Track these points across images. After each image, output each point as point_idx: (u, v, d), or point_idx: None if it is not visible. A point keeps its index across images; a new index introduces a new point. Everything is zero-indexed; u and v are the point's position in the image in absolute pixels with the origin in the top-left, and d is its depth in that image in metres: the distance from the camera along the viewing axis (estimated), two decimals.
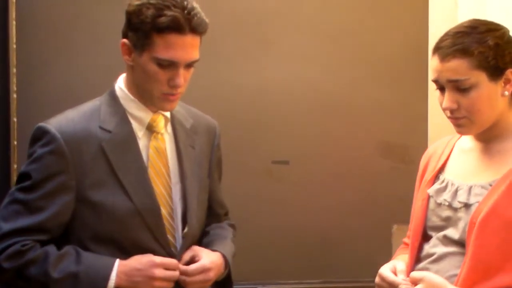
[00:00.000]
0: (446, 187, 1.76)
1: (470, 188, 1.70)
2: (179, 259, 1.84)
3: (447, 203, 1.73)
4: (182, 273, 1.81)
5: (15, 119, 2.65)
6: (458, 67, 1.66)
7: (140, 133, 1.85)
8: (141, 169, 1.82)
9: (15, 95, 2.65)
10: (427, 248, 1.76)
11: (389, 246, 2.74)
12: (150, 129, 1.86)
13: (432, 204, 1.78)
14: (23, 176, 1.78)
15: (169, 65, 1.75)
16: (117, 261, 1.75)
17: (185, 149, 1.91)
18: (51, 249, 1.76)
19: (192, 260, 1.85)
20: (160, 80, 1.77)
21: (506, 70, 1.67)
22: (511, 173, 1.65)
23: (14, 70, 2.64)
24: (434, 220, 1.76)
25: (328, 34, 2.88)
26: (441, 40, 1.70)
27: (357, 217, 2.89)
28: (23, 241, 1.74)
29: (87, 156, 1.77)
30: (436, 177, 1.81)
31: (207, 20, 1.78)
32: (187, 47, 1.75)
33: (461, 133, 1.76)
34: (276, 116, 2.87)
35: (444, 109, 1.71)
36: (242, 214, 2.70)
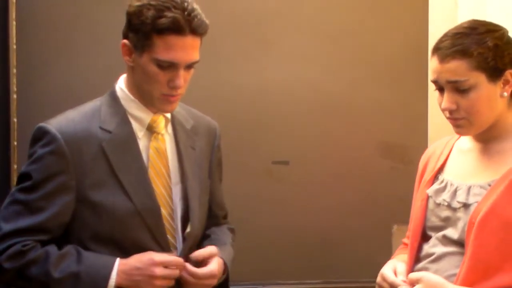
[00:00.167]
0: (445, 187, 1.76)
1: (469, 188, 1.70)
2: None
3: (446, 203, 1.74)
4: (190, 274, 1.81)
5: (15, 120, 2.65)
6: (458, 68, 1.66)
7: (140, 133, 1.85)
8: (141, 170, 1.82)
9: (15, 96, 2.65)
10: (427, 248, 1.77)
11: (389, 246, 2.74)
12: (151, 130, 1.86)
13: (431, 204, 1.78)
14: (24, 177, 1.78)
15: (169, 66, 1.75)
16: (118, 260, 1.75)
17: (185, 150, 1.91)
18: (52, 249, 1.76)
19: (201, 262, 1.84)
20: (160, 81, 1.77)
21: (505, 71, 1.67)
22: (510, 173, 1.65)
23: (14, 70, 2.64)
24: (433, 220, 1.77)
25: (328, 34, 2.88)
26: (441, 41, 1.70)
27: (357, 217, 2.89)
28: (24, 241, 1.74)
29: (87, 156, 1.77)
30: (435, 178, 1.81)
31: (207, 22, 1.78)
32: (187, 48, 1.75)
33: (460, 133, 1.76)
34: (276, 116, 2.87)
35: (443, 110, 1.71)
36: (242, 214, 2.70)
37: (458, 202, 1.71)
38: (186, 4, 1.74)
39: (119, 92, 1.86)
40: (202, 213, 1.95)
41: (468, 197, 1.69)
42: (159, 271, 1.74)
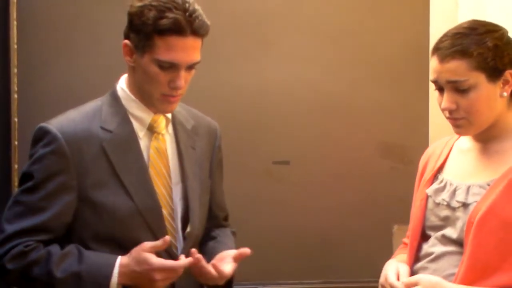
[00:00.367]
0: (444, 187, 1.77)
1: (468, 188, 1.71)
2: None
3: (445, 203, 1.74)
4: (218, 271, 1.81)
5: (15, 119, 2.65)
6: (457, 68, 1.66)
7: (141, 133, 1.85)
8: (142, 169, 1.82)
9: (16, 95, 2.65)
10: (426, 247, 1.77)
11: (389, 247, 2.74)
12: (151, 130, 1.86)
13: (430, 204, 1.78)
14: (25, 177, 1.79)
15: (170, 67, 1.76)
16: (119, 258, 1.75)
17: (186, 150, 1.92)
18: (54, 249, 1.76)
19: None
20: (161, 82, 1.77)
21: (505, 71, 1.68)
22: (509, 173, 1.66)
23: (15, 70, 2.64)
24: (433, 220, 1.77)
25: (328, 34, 2.88)
26: (440, 41, 1.71)
27: (357, 218, 2.89)
28: (26, 242, 1.74)
29: (88, 156, 1.77)
30: (434, 177, 1.82)
31: (208, 23, 1.78)
32: (188, 49, 1.75)
33: (460, 133, 1.77)
34: (276, 116, 2.87)
35: (442, 110, 1.71)
36: (242, 214, 2.70)
37: (457, 201, 1.71)
38: (187, 5, 1.74)
39: (120, 92, 1.86)
40: (202, 213, 1.95)
41: (467, 196, 1.70)
42: (159, 276, 1.73)
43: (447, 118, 1.72)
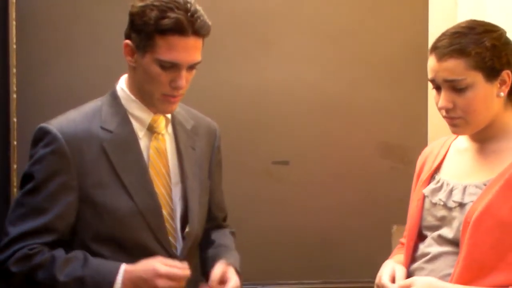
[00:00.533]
0: (441, 187, 1.77)
1: (464, 188, 1.71)
2: (181, 259, 1.84)
3: (442, 203, 1.74)
4: None
5: (15, 119, 2.65)
6: (455, 67, 1.66)
7: (141, 133, 1.85)
8: (142, 169, 1.83)
9: (15, 95, 2.64)
10: (422, 247, 1.77)
11: (389, 247, 2.73)
12: (151, 130, 1.86)
13: (427, 204, 1.79)
14: (26, 178, 1.79)
15: (171, 67, 1.76)
16: (123, 266, 1.74)
17: (185, 150, 1.92)
18: (59, 253, 1.76)
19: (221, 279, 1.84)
20: (162, 82, 1.77)
21: (502, 72, 1.68)
22: (506, 172, 1.66)
23: (14, 70, 2.64)
24: (429, 220, 1.77)
25: (328, 34, 2.87)
26: (438, 40, 1.71)
27: (357, 218, 2.89)
28: (31, 245, 1.74)
29: (89, 156, 1.78)
30: (431, 177, 1.82)
31: (209, 23, 1.78)
32: (189, 49, 1.76)
33: (456, 133, 1.77)
34: (276, 116, 2.87)
35: (439, 109, 1.72)
36: (242, 214, 2.70)
37: (454, 201, 1.71)
38: (189, 5, 1.75)
39: (120, 92, 1.86)
40: (201, 213, 1.95)
41: (464, 196, 1.70)
42: (162, 283, 1.73)
43: (444, 117, 1.72)
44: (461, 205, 1.70)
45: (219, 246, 1.99)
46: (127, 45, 1.80)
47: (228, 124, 2.69)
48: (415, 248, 1.80)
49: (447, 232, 1.71)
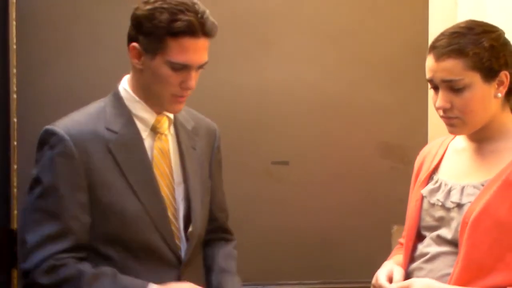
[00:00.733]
0: (439, 187, 1.77)
1: (462, 188, 1.71)
2: (185, 260, 1.86)
3: (440, 203, 1.74)
4: None
5: (15, 120, 2.65)
6: (453, 67, 1.66)
7: (144, 134, 1.86)
8: (147, 170, 1.83)
9: (15, 96, 2.65)
10: (421, 248, 1.77)
11: (389, 247, 2.74)
12: (154, 130, 1.87)
13: (425, 204, 1.79)
14: (35, 182, 1.78)
15: (182, 68, 1.77)
16: (152, 285, 1.75)
17: (187, 150, 1.93)
18: (85, 267, 1.75)
19: None
20: (172, 83, 1.78)
21: (500, 72, 1.68)
22: (503, 173, 1.66)
23: (14, 70, 2.64)
24: (428, 220, 1.77)
25: (328, 34, 2.88)
26: (437, 39, 1.71)
27: (357, 218, 2.89)
28: (56, 255, 1.73)
29: (95, 157, 1.78)
30: (430, 178, 1.82)
31: (216, 23, 1.79)
32: (199, 50, 1.77)
33: (453, 133, 1.77)
34: (276, 116, 2.87)
35: (437, 109, 1.72)
36: (242, 214, 2.70)
37: (452, 202, 1.71)
38: (197, 6, 1.76)
39: (123, 93, 1.86)
40: (204, 213, 1.96)
41: (462, 197, 1.70)
42: None
43: (441, 117, 1.73)
44: (459, 205, 1.70)
45: (223, 271, 1.99)
46: (134, 47, 1.80)
47: (228, 124, 2.69)
48: (414, 248, 1.80)
49: (446, 232, 1.72)
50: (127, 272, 1.78)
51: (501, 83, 1.69)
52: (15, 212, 2.64)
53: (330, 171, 2.89)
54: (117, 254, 1.78)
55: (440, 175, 1.80)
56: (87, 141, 1.77)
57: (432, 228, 1.76)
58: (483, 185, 1.68)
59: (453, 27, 1.73)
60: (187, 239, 1.89)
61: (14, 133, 2.65)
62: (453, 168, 1.78)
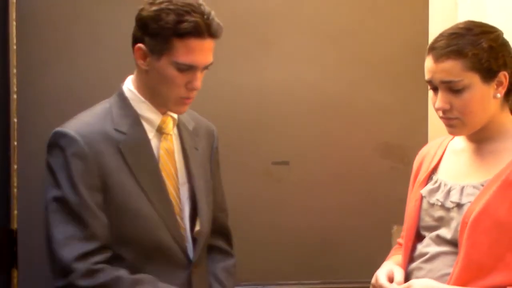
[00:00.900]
0: (439, 187, 1.77)
1: (462, 188, 1.71)
2: (194, 260, 1.87)
3: (439, 203, 1.75)
4: None
5: (15, 120, 2.65)
6: (452, 68, 1.67)
7: (150, 134, 1.87)
8: (155, 171, 1.84)
9: (15, 96, 2.65)
10: (420, 248, 1.78)
11: (389, 247, 2.72)
12: (160, 131, 1.88)
13: (425, 205, 1.79)
14: (52, 187, 1.77)
15: (188, 69, 1.78)
16: None
17: (190, 150, 1.95)
18: (122, 272, 1.76)
19: None
20: (178, 84, 1.79)
21: (499, 73, 1.68)
22: (503, 173, 1.66)
23: (14, 70, 2.64)
24: (427, 220, 1.78)
25: (328, 34, 2.88)
26: (436, 40, 1.71)
27: (357, 218, 2.89)
28: (85, 256, 1.73)
29: (107, 158, 1.78)
30: (429, 178, 1.82)
31: (222, 24, 1.80)
32: (205, 51, 1.79)
33: (453, 133, 1.77)
34: (276, 116, 2.87)
35: (436, 109, 1.72)
36: (242, 214, 2.70)
37: (452, 202, 1.71)
38: (203, 7, 1.77)
39: (128, 94, 1.87)
40: (209, 211, 1.97)
41: (461, 197, 1.70)
42: None
43: (441, 117, 1.73)
44: (459, 205, 1.70)
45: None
46: (139, 48, 1.80)
47: (228, 124, 2.69)
48: (413, 248, 1.80)
49: (445, 232, 1.72)
50: (139, 272, 1.78)
51: (500, 84, 1.69)
52: (15, 212, 2.64)
53: (330, 171, 2.89)
54: (129, 254, 1.79)
55: (439, 175, 1.80)
56: (98, 141, 1.78)
57: (431, 228, 1.76)
58: (482, 185, 1.68)
59: (452, 28, 1.73)
60: (193, 239, 1.90)
61: (14, 133, 2.65)
62: (452, 169, 1.78)
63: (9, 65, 2.63)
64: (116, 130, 1.81)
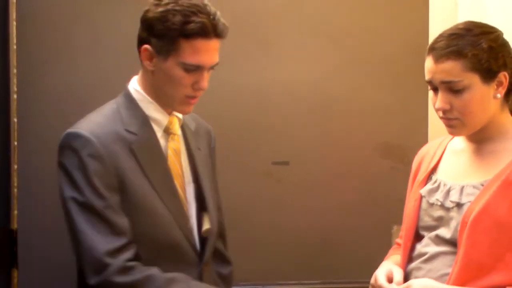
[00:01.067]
0: (438, 187, 1.77)
1: (462, 188, 1.71)
2: (206, 259, 1.89)
3: (439, 203, 1.75)
4: None
5: (15, 120, 2.65)
6: (452, 68, 1.67)
7: (158, 134, 1.87)
8: (166, 171, 1.85)
9: (15, 96, 2.65)
10: (419, 247, 1.78)
11: (388, 247, 2.72)
12: (167, 131, 1.89)
13: (424, 204, 1.79)
14: (72, 186, 1.76)
15: (195, 69, 1.79)
16: None
17: (195, 150, 1.96)
18: (154, 271, 1.76)
19: None
20: (185, 84, 1.80)
21: (499, 73, 1.68)
22: (503, 173, 1.66)
23: (15, 70, 2.65)
24: (426, 220, 1.78)
25: (328, 34, 2.88)
26: (436, 41, 1.72)
27: (357, 218, 2.89)
28: (123, 255, 1.73)
29: (121, 158, 1.79)
30: (428, 178, 1.82)
31: (227, 24, 1.81)
32: (212, 51, 1.79)
33: (453, 134, 1.77)
34: (276, 116, 2.87)
35: (436, 110, 1.72)
36: (242, 214, 2.70)
37: (451, 201, 1.72)
38: (209, 8, 1.78)
39: (135, 94, 1.87)
40: (216, 211, 1.99)
41: (461, 197, 1.70)
42: None
43: (441, 118, 1.73)
44: (459, 205, 1.70)
45: None
46: (145, 49, 1.80)
47: (228, 124, 2.69)
48: (412, 248, 1.80)
49: (445, 232, 1.72)
50: None
51: (500, 84, 1.69)
52: (15, 212, 2.64)
53: (330, 171, 2.89)
54: (143, 253, 1.79)
55: (439, 175, 1.80)
56: (112, 141, 1.78)
57: (430, 228, 1.76)
58: (482, 185, 1.68)
59: (452, 28, 1.73)
60: (201, 238, 1.91)
61: (14, 133, 2.65)
62: (452, 169, 1.79)
63: (9, 65, 2.63)
64: (127, 130, 1.81)
